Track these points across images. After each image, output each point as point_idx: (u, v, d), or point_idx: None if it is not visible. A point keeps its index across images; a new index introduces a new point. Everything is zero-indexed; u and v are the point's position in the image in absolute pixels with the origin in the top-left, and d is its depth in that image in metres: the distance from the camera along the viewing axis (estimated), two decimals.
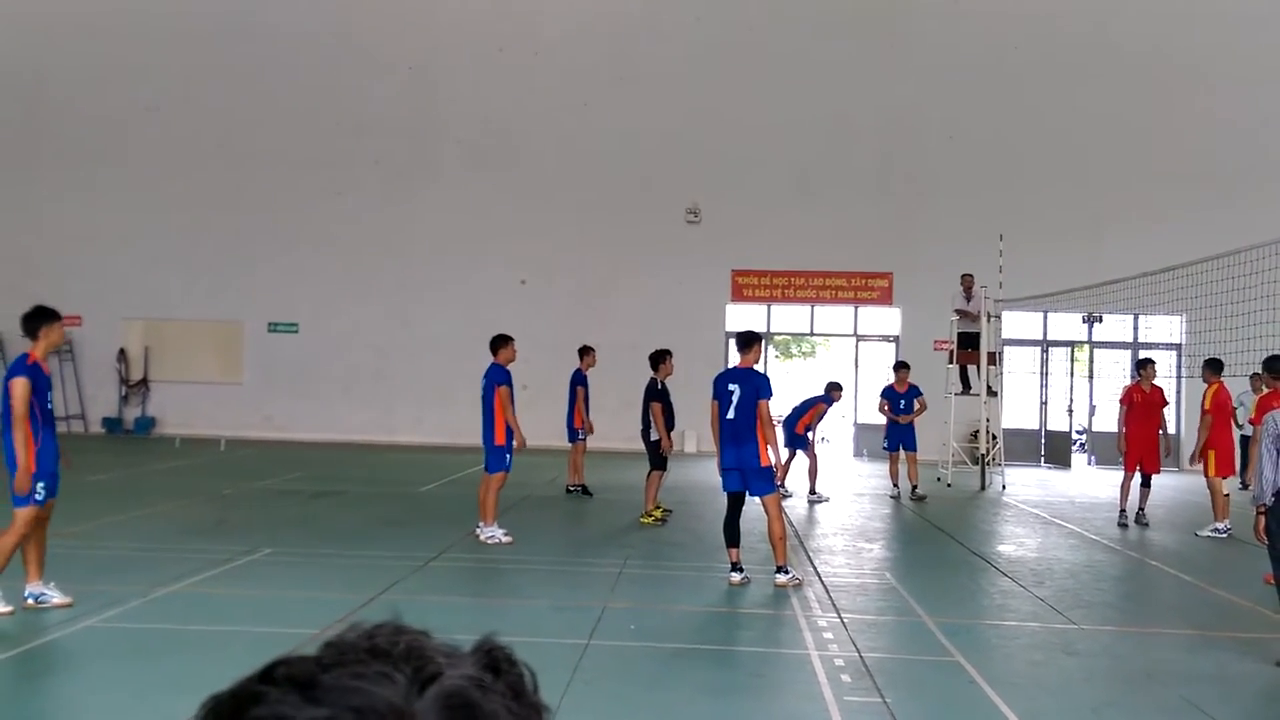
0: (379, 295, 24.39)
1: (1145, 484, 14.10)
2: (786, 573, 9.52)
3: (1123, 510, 14.15)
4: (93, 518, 12.14)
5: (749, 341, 9.98)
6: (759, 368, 10.19)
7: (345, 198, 24.47)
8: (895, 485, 16.51)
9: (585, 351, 15.50)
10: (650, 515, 13.07)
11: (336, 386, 24.19)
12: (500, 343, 11.78)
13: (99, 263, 24.71)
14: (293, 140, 24.57)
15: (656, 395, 13.51)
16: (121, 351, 24.99)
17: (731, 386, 9.66)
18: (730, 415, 9.58)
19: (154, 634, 7.43)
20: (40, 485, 7.77)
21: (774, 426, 9.72)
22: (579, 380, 15.29)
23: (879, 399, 17.03)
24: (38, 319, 8.19)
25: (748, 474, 9.51)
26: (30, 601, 7.86)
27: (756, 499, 9.60)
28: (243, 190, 24.63)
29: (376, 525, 12.53)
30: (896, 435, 16.43)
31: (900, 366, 17.02)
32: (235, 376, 24.86)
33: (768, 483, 9.48)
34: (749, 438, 9.45)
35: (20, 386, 7.75)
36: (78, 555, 10.04)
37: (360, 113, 24.42)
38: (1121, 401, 14.57)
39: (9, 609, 7.73)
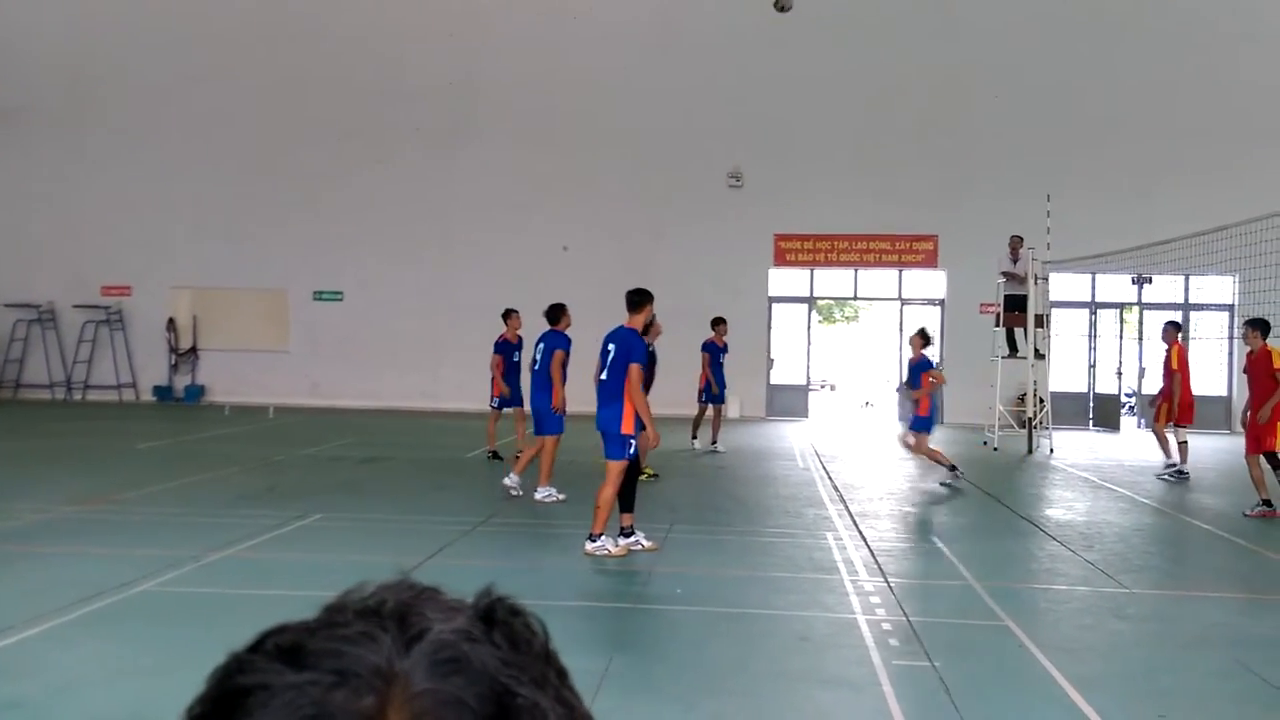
0: (422, 263, 24.49)
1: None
2: (595, 540, 9.13)
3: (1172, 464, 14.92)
4: (145, 484, 12.35)
5: (639, 301, 9.52)
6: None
7: (387, 165, 24.54)
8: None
9: (508, 315, 14.86)
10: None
11: (381, 354, 24.37)
12: (561, 311, 12.21)
13: (147, 233, 24.99)
14: (334, 109, 24.63)
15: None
16: (170, 320, 25.30)
17: (609, 346, 9.40)
18: (603, 376, 9.36)
19: (208, 598, 7.56)
20: None
21: (643, 395, 9.23)
22: (498, 348, 14.96)
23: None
24: None
25: (606, 437, 9.29)
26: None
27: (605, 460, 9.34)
28: (286, 159, 24.76)
29: (424, 491, 12.65)
30: (904, 411, 15.27)
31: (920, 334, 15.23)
32: (282, 344, 25.12)
33: (619, 449, 9.18)
34: (615, 400, 9.20)
35: None
36: (130, 520, 10.23)
37: (400, 80, 24.42)
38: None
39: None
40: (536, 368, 12.07)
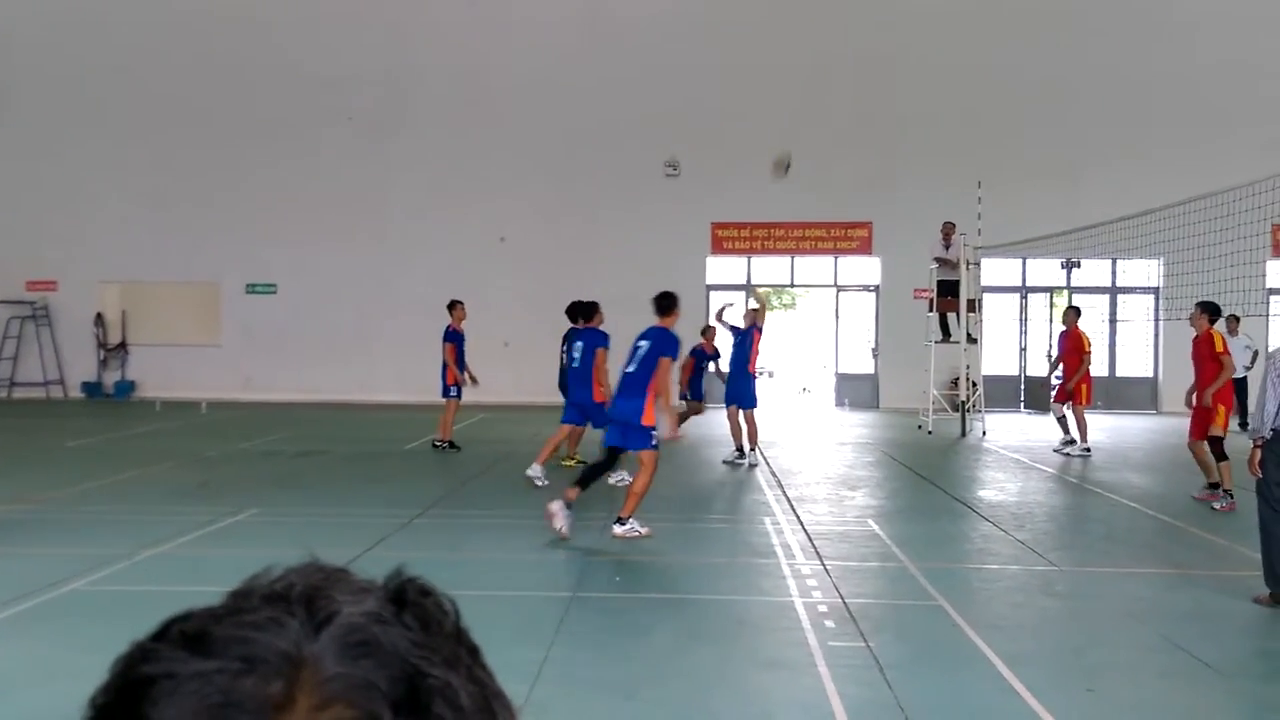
0: (357, 254, 24.22)
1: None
2: (623, 524, 9.38)
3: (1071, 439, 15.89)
4: (76, 482, 12.13)
5: (668, 305, 9.92)
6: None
7: (321, 156, 24.23)
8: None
9: (453, 306, 15.43)
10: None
11: (317, 346, 24.09)
12: (595, 309, 12.81)
13: (72, 226, 24.46)
14: (266, 98, 24.28)
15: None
16: (99, 315, 24.81)
17: (641, 342, 9.75)
18: (631, 369, 9.63)
19: (142, 595, 7.43)
20: None
21: (670, 388, 9.64)
22: (449, 337, 15.29)
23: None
24: None
25: (628, 429, 9.56)
26: None
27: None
28: (217, 149, 24.36)
29: (361, 484, 12.54)
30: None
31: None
32: (214, 338, 24.74)
33: (645, 439, 9.48)
34: (639, 394, 9.50)
35: None
36: (61, 519, 10.04)
37: (333, 69, 24.10)
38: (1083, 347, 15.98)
39: None
40: (575, 365, 12.37)
